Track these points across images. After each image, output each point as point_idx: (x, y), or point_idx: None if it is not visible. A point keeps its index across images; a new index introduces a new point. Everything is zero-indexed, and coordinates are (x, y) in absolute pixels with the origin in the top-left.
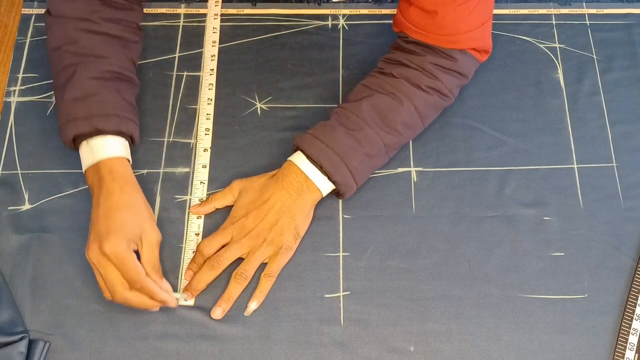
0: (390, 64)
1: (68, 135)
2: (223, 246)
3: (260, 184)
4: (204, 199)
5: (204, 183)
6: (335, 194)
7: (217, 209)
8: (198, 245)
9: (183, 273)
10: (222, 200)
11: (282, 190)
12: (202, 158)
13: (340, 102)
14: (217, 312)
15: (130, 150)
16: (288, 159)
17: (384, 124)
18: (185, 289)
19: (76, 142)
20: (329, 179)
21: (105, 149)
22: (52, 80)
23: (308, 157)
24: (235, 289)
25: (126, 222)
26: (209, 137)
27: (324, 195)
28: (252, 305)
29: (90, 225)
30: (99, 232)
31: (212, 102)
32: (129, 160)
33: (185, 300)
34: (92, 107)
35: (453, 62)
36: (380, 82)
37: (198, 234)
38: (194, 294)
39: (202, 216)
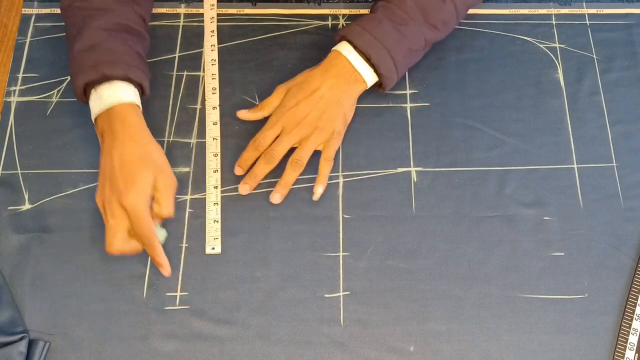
0: None
1: (78, 85)
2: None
3: (306, 76)
4: (219, 162)
5: (216, 139)
6: (377, 85)
7: (264, 117)
8: (253, 141)
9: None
10: (269, 107)
11: (332, 79)
12: (212, 116)
13: None
14: (276, 197)
15: (142, 102)
16: (333, 48)
17: (426, 21)
18: (244, 182)
19: (87, 93)
20: (375, 71)
21: (114, 95)
22: (53, 79)
23: (355, 48)
24: (291, 175)
25: (143, 178)
26: (216, 95)
27: (368, 87)
28: (319, 190)
29: (100, 172)
30: (117, 186)
31: (216, 63)
32: (139, 107)
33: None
34: (99, 56)
35: None
36: None
37: (217, 187)
38: (252, 186)
39: (219, 170)
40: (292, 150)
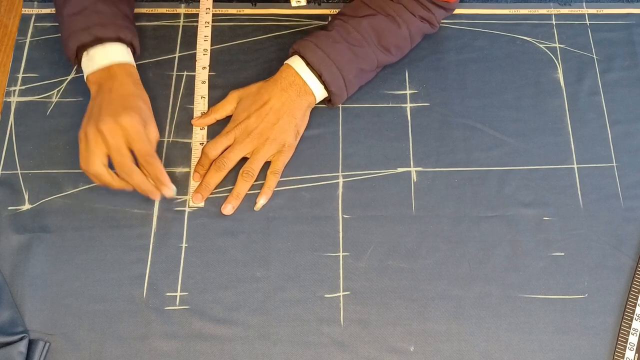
0: None
1: (71, 47)
2: (227, 148)
3: (259, 87)
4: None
5: (204, 97)
6: (326, 100)
7: (217, 120)
8: (203, 148)
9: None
10: (222, 111)
11: (282, 92)
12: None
13: (337, 17)
14: (228, 209)
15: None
16: (285, 62)
17: (379, 44)
18: (196, 191)
19: (79, 55)
20: (325, 87)
21: (107, 57)
22: (53, 79)
23: (307, 63)
24: (242, 186)
25: (141, 109)
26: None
27: (317, 101)
28: (262, 201)
29: (87, 113)
30: (114, 110)
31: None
32: (133, 64)
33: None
34: (89, 18)
35: None
36: (381, 4)
37: (202, 143)
38: (204, 196)
39: (205, 127)
40: (243, 160)
